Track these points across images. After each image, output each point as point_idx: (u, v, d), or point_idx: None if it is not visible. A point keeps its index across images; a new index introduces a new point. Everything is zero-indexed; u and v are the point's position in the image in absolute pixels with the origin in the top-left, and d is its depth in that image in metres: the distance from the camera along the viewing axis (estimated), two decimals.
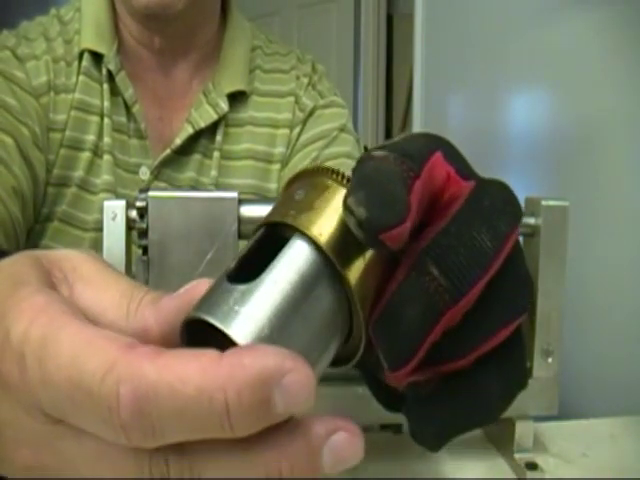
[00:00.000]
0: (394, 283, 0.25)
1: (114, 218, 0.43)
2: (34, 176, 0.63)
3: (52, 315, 0.21)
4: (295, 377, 0.19)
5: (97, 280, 0.25)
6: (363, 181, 0.24)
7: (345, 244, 0.24)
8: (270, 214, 0.27)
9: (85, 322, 0.21)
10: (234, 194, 0.43)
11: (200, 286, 0.24)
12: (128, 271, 0.44)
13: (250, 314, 0.22)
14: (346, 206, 0.23)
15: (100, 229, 0.68)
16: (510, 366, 0.27)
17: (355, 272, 0.25)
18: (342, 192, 0.25)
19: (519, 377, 0.28)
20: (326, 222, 0.25)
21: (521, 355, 0.28)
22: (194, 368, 0.18)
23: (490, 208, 0.25)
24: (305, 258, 0.24)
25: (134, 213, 0.43)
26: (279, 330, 0.22)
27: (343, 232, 0.25)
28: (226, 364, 0.18)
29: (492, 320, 0.26)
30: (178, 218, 0.42)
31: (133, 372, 0.18)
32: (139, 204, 0.42)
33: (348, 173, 0.26)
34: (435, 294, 0.24)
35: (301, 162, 0.74)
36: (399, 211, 0.23)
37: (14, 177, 0.60)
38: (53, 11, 0.72)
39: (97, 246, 0.66)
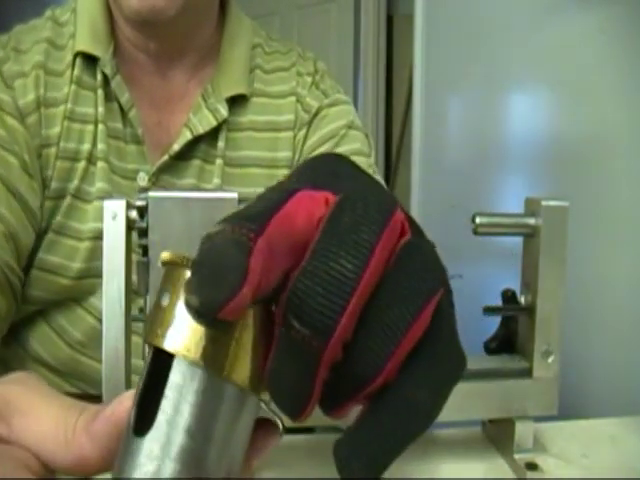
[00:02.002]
0: (273, 346, 0.25)
1: (114, 218, 0.43)
2: (25, 207, 0.63)
3: None
4: None
5: (31, 411, 0.26)
6: (196, 267, 0.23)
7: (215, 341, 0.24)
8: (145, 329, 0.26)
9: None
10: (234, 194, 0.43)
11: (124, 404, 0.25)
12: (128, 271, 0.44)
13: (157, 465, 0.23)
14: (185, 301, 0.22)
15: (95, 238, 0.66)
16: (437, 359, 0.25)
17: (238, 365, 0.24)
18: None
19: (451, 368, 0.26)
20: (190, 329, 0.24)
21: (448, 342, 0.26)
22: None
23: (350, 224, 0.24)
24: (189, 380, 0.24)
25: (134, 213, 0.43)
26: (191, 466, 0.23)
27: (209, 331, 0.24)
28: None
29: (395, 323, 0.24)
30: (178, 218, 0.42)
31: None
32: (139, 204, 0.42)
33: None
34: (303, 345, 0.23)
35: None
36: (231, 282, 0.22)
37: (2, 221, 0.60)
38: (48, 13, 0.70)
39: (93, 255, 0.65)
